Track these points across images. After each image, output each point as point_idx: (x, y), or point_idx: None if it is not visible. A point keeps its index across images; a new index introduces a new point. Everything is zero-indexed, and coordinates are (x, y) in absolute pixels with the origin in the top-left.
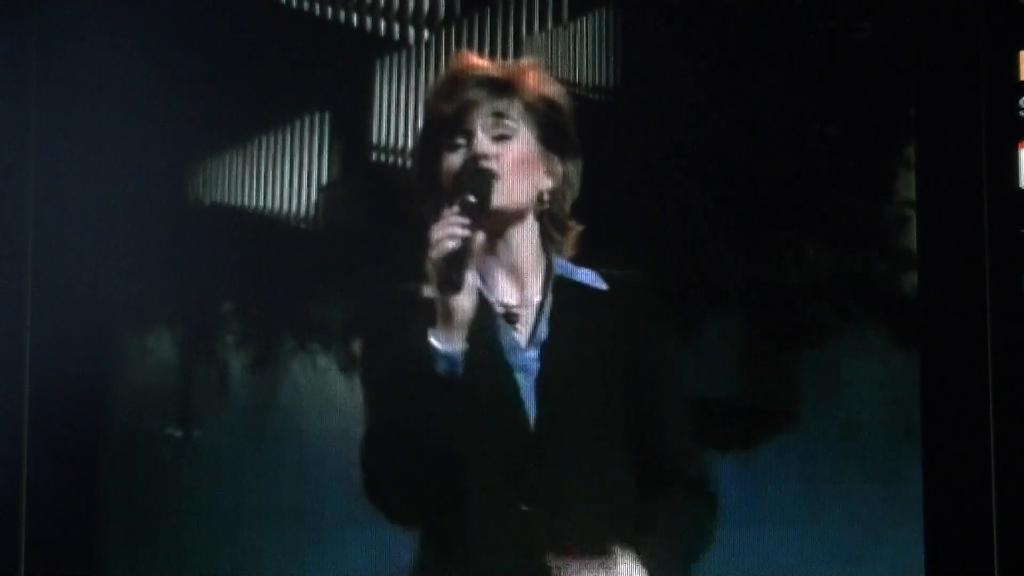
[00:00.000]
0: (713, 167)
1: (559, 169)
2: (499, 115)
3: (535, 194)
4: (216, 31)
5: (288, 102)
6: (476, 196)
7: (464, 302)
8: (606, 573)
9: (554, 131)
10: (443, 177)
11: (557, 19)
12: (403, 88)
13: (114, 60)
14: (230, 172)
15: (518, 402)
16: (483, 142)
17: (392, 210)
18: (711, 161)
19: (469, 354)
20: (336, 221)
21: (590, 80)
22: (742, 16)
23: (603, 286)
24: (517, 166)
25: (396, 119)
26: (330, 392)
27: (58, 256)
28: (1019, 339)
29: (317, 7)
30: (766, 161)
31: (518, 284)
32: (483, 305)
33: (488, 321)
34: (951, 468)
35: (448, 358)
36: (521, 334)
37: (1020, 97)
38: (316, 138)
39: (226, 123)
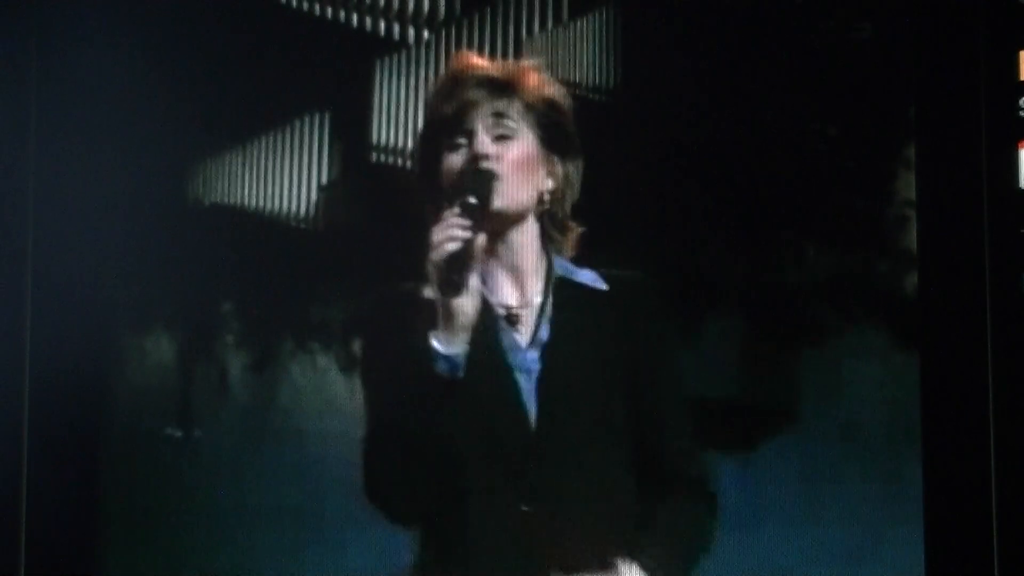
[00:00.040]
0: (713, 167)
1: (559, 170)
2: (499, 115)
3: (536, 195)
4: (216, 31)
5: (288, 102)
6: (477, 197)
7: (466, 304)
8: None
9: (555, 131)
10: (443, 177)
11: (557, 19)
12: (403, 88)
13: (114, 60)
14: (230, 172)
15: (519, 403)
16: (484, 142)
17: (392, 210)
18: (711, 161)
19: (470, 355)
20: (336, 221)
21: (590, 80)
22: (742, 16)
23: (603, 286)
24: (518, 166)
25: (396, 119)
26: (330, 392)
27: (58, 256)
28: (1019, 339)
29: (317, 7)
30: (766, 161)
31: (518, 285)
32: (484, 306)
33: (489, 322)
34: (951, 468)
35: (450, 360)
36: (522, 335)
37: (1020, 97)
38: (316, 138)
39: (226, 123)
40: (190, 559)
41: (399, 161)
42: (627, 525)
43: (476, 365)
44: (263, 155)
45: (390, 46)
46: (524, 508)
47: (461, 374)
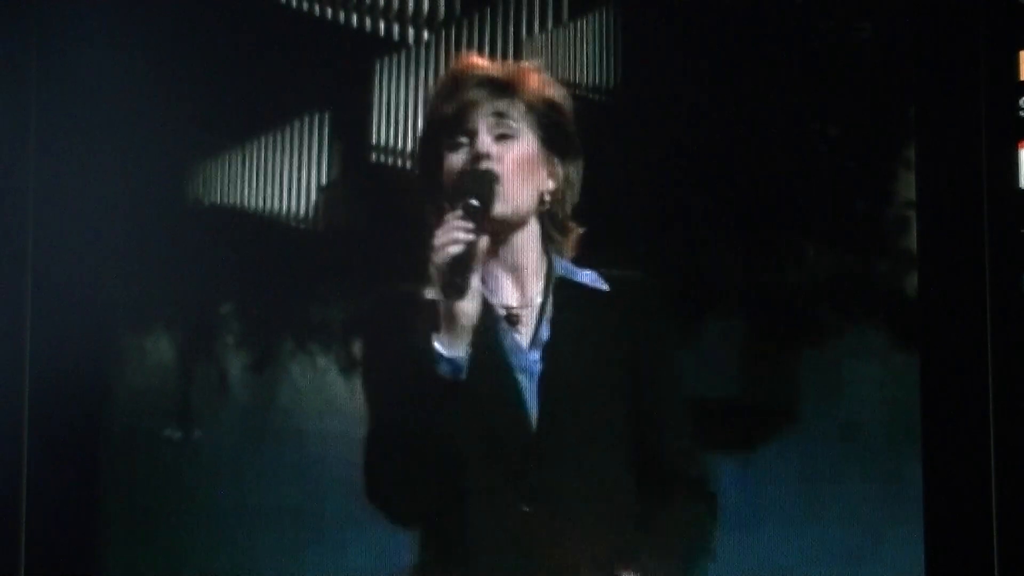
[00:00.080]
0: (713, 167)
1: (560, 171)
2: (501, 115)
3: (537, 195)
4: (216, 31)
5: (288, 102)
6: (478, 198)
7: (468, 306)
8: None
9: (556, 132)
10: (444, 177)
11: (557, 20)
12: (403, 88)
13: (114, 60)
14: (230, 172)
15: (520, 403)
16: (485, 141)
17: (392, 210)
18: (711, 161)
19: (472, 357)
20: (335, 221)
21: (590, 81)
22: (742, 16)
23: (604, 286)
24: (519, 166)
25: (396, 119)
26: (330, 392)
27: (58, 256)
28: (1019, 339)
29: (317, 7)
30: (766, 161)
31: (519, 285)
32: (484, 307)
33: (489, 323)
34: (951, 468)
35: (452, 362)
36: (523, 335)
37: (1020, 97)
38: (316, 138)
39: (226, 123)
40: (190, 559)
41: (399, 161)
42: (627, 525)
43: (477, 366)
44: (263, 155)
45: (390, 46)
46: (525, 509)
47: (463, 376)
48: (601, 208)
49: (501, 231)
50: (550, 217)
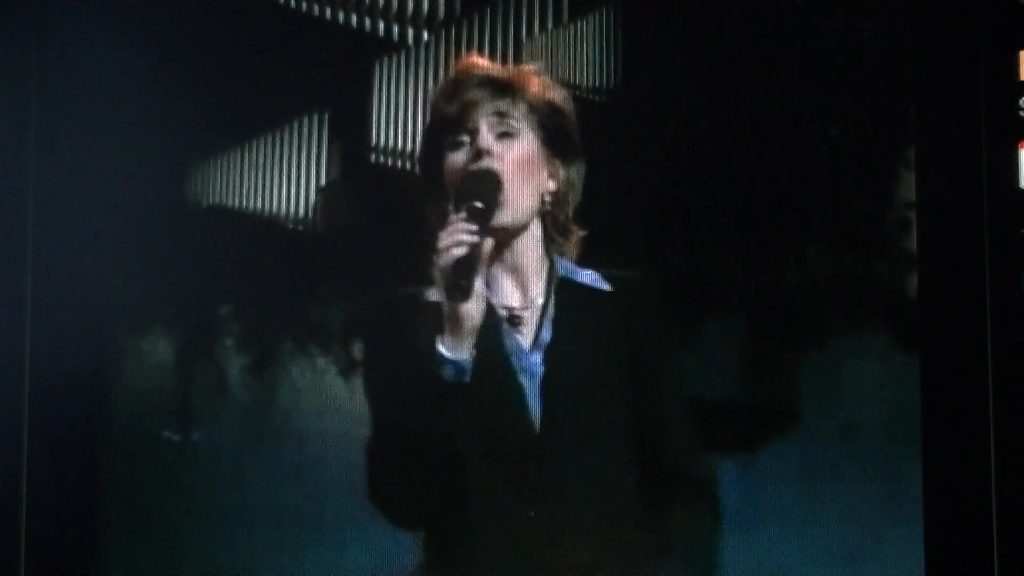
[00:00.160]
0: (713, 167)
1: (561, 172)
2: (502, 114)
3: (538, 196)
4: (216, 31)
5: (288, 102)
6: (481, 199)
7: (472, 309)
8: None
9: (557, 134)
10: (446, 177)
11: (557, 20)
12: (403, 88)
13: (114, 60)
14: (230, 172)
15: (522, 404)
16: (486, 138)
17: (392, 211)
18: (711, 161)
19: (474, 359)
20: (335, 222)
21: (590, 81)
22: (742, 16)
23: (606, 287)
24: (520, 165)
25: (396, 119)
26: (330, 393)
27: (58, 256)
28: (1019, 339)
29: (317, 7)
30: (766, 161)
31: (521, 286)
32: (486, 308)
33: (492, 324)
34: (951, 468)
35: (456, 365)
36: (525, 337)
37: (1020, 97)
38: (316, 138)
39: (226, 123)
40: (190, 559)
41: (399, 162)
42: (629, 526)
43: (479, 367)
44: (263, 155)
45: (390, 46)
46: (531, 514)
47: (467, 379)
48: (601, 208)
49: (503, 233)
50: (552, 219)
